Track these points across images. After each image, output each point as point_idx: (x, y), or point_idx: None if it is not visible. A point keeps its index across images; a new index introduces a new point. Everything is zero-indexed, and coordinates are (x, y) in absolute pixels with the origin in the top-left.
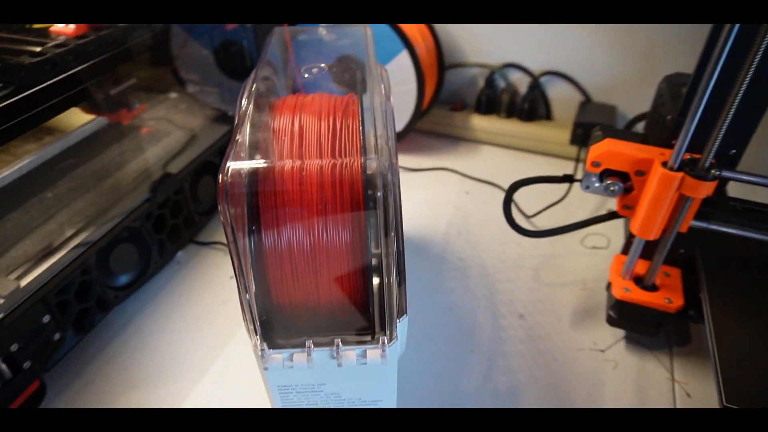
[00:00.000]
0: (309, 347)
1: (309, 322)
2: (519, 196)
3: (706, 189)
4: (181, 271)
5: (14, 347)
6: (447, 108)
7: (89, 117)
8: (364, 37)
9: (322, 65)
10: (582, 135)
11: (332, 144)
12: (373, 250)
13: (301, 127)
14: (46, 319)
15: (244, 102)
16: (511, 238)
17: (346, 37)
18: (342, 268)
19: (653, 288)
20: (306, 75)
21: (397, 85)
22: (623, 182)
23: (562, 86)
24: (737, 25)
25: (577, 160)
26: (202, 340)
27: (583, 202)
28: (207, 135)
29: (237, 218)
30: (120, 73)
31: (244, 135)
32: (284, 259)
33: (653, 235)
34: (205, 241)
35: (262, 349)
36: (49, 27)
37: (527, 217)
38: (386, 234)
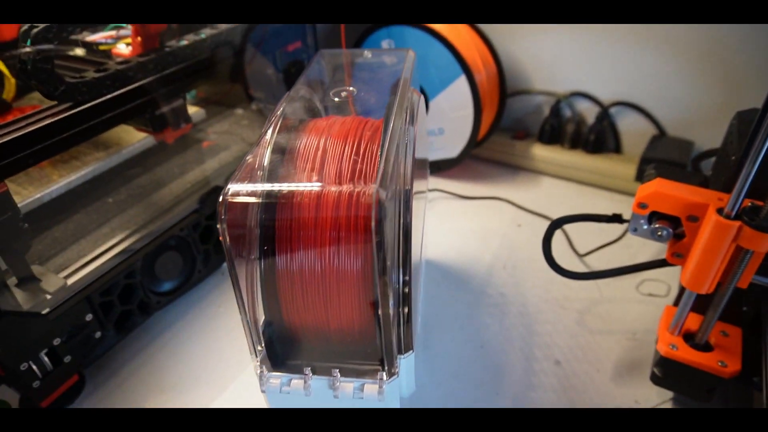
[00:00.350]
0: (307, 374)
1: (321, 346)
2: (573, 232)
3: None
4: (224, 282)
5: (57, 341)
6: (509, 136)
7: (139, 135)
8: (405, 60)
9: (351, 89)
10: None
11: (351, 169)
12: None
13: (317, 149)
14: (89, 317)
15: (270, 122)
16: (558, 277)
17: (388, 56)
18: (350, 296)
19: (707, 347)
20: (336, 99)
21: (454, 110)
22: (673, 227)
23: (634, 118)
24: None
25: None
26: (233, 352)
27: (644, 244)
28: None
29: (239, 239)
30: (165, 95)
31: (256, 156)
32: (287, 282)
33: (705, 289)
34: None
35: (261, 371)
36: (112, 49)
37: (579, 255)
38: (383, 267)
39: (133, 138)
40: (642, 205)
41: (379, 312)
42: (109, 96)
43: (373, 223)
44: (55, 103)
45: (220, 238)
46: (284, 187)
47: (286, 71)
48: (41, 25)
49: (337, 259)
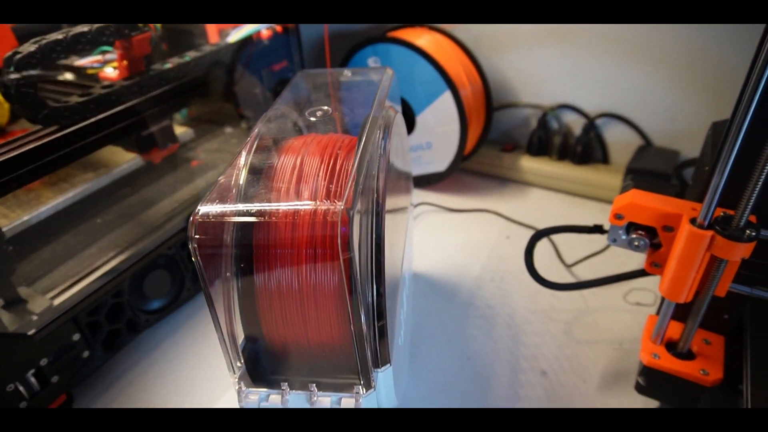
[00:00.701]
0: (284, 389)
1: (300, 362)
2: (561, 243)
3: (741, 251)
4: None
5: (44, 361)
6: (497, 148)
7: (127, 156)
8: (385, 78)
9: (326, 108)
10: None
11: (326, 187)
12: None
13: (299, 168)
14: (76, 337)
15: (246, 143)
16: (545, 289)
17: (367, 75)
18: (327, 312)
19: (689, 356)
20: (312, 118)
21: (440, 125)
22: (650, 238)
23: (621, 129)
24: None
25: None
26: (222, 369)
27: (631, 254)
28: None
29: (212, 257)
30: (152, 117)
31: (229, 177)
32: (265, 299)
33: (683, 298)
34: None
35: (239, 387)
36: (99, 73)
37: (567, 266)
38: (352, 284)
39: (121, 159)
40: (618, 216)
41: (352, 327)
42: (93, 119)
43: (339, 241)
44: (40, 127)
45: (192, 257)
46: (255, 206)
47: (273, 90)
48: (25, 51)
49: (312, 276)
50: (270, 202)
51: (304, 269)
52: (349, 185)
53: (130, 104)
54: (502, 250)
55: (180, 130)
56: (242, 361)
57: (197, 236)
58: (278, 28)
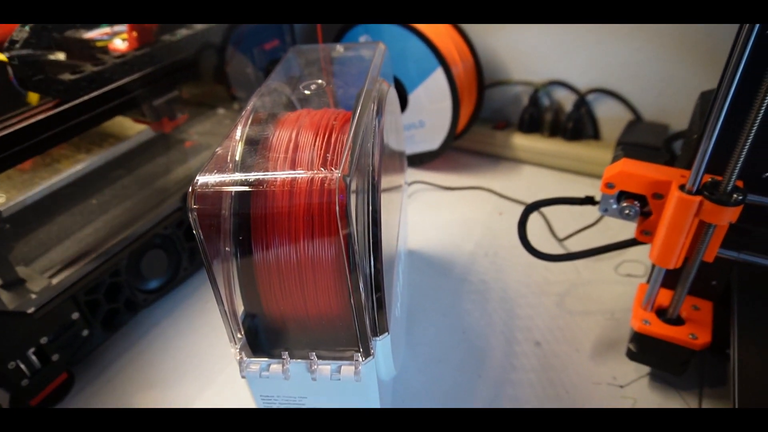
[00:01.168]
0: (285, 359)
1: (300, 333)
2: (553, 217)
3: (729, 215)
4: None
5: (44, 340)
6: (489, 126)
7: (137, 127)
8: (377, 53)
9: (319, 81)
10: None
11: (323, 159)
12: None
13: (294, 141)
14: (75, 315)
15: (242, 116)
16: (538, 262)
17: (360, 50)
18: (325, 283)
19: (678, 321)
20: (306, 92)
21: (433, 103)
22: (641, 206)
23: (611, 104)
24: (756, 29)
25: None
26: (220, 346)
27: (623, 226)
28: None
29: (211, 229)
30: (164, 86)
31: (226, 148)
32: (264, 270)
33: (673, 264)
34: None
35: (241, 358)
36: (109, 45)
37: (559, 240)
38: (351, 253)
39: (117, 137)
40: (609, 185)
41: (351, 296)
42: (107, 88)
43: (337, 208)
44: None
45: (192, 227)
46: (253, 176)
47: (265, 70)
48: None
49: (311, 247)
50: (269, 171)
51: (302, 239)
52: (345, 155)
53: (142, 74)
54: (495, 226)
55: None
56: (242, 332)
57: (197, 206)
58: None
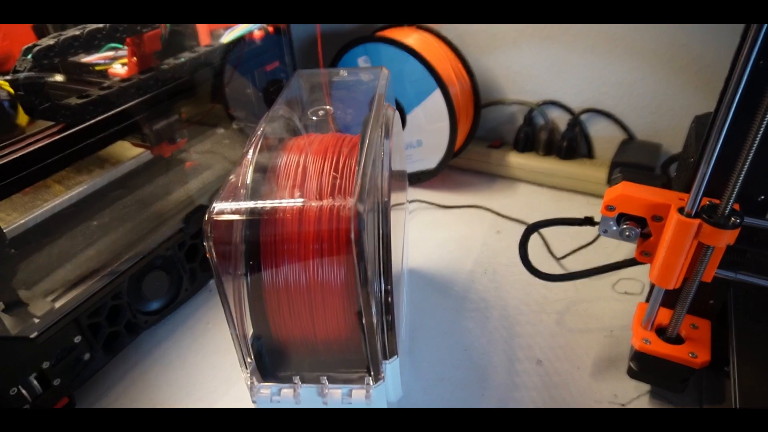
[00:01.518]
0: (296, 383)
1: (309, 356)
2: (550, 236)
3: (727, 237)
4: (212, 298)
5: (46, 364)
6: (485, 145)
7: (135, 150)
8: (380, 77)
9: (329, 107)
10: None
11: (332, 184)
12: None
13: (304, 167)
14: (77, 339)
15: (251, 142)
16: (537, 281)
17: (364, 75)
18: (334, 307)
19: (677, 340)
20: (314, 118)
21: (431, 123)
22: (640, 228)
23: (604, 124)
24: (754, 55)
25: None
26: (223, 367)
27: (619, 245)
28: None
29: (225, 255)
30: (165, 110)
31: (238, 175)
32: (274, 295)
33: (672, 285)
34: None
35: (251, 383)
36: (108, 69)
37: (557, 258)
38: (364, 279)
39: (117, 160)
40: (610, 208)
41: (363, 320)
42: (110, 113)
43: (353, 236)
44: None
45: (207, 255)
46: (267, 204)
47: (265, 90)
48: (44, 44)
49: (320, 272)
50: (282, 199)
51: (316, 266)
52: (358, 182)
53: (144, 99)
54: (493, 244)
55: None
56: (252, 357)
57: (213, 234)
58: (270, 28)
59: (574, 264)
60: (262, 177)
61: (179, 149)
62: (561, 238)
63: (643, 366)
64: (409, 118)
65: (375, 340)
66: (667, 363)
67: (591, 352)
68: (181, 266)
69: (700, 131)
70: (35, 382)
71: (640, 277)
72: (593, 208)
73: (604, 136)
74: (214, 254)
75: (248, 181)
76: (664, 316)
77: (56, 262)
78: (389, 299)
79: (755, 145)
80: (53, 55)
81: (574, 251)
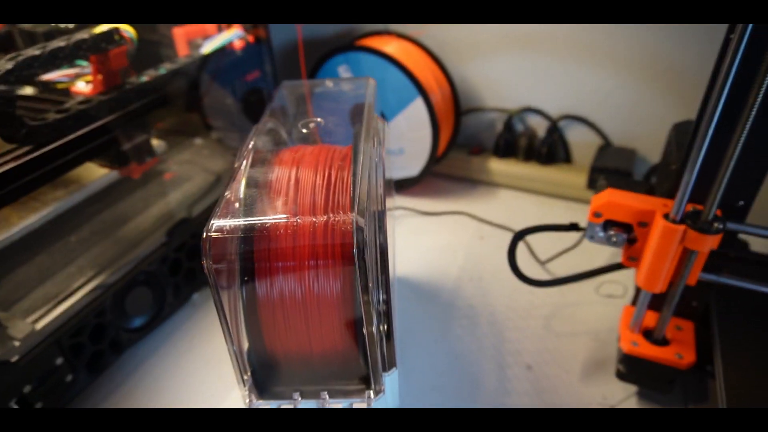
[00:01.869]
0: (296, 399)
1: (306, 371)
2: (534, 240)
3: (711, 242)
4: (196, 313)
5: (27, 389)
6: (465, 151)
7: (101, 171)
8: (366, 88)
9: (318, 119)
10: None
11: (325, 197)
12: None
13: (289, 180)
14: (59, 361)
15: (242, 156)
16: (523, 286)
17: (362, 87)
18: (332, 320)
19: (664, 342)
20: (304, 130)
21: (413, 131)
22: (626, 233)
23: (582, 130)
24: (735, 66)
25: None
26: (211, 384)
27: (599, 249)
28: (228, 179)
29: (222, 272)
30: (134, 130)
31: (234, 191)
32: (276, 311)
33: (659, 288)
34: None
35: (250, 400)
36: (70, 87)
37: (541, 263)
38: (365, 289)
39: (93, 174)
40: (597, 214)
41: (364, 331)
42: (72, 136)
43: (355, 250)
44: (14, 146)
45: (205, 272)
46: (265, 220)
47: (245, 100)
48: (2, 69)
49: (317, 286)
50: (279, 215)
51: (312, 279)
52: (356, 194)
53: (109, 119)
54: (477, 250)
55: (153, 143)
56: (249, 373)
57: (212, 252)
58: (250, 38)
59: (558, 267)
60: (256, 191)
61: (146, 171)
62: (544, 242)
63: (631, 368)
64: (391, 125)
65: (376, 352)
66: (654, 365)
67: (579, 355)
68: (165, 281)
69: (680, 139)
70: (16, 407)
71: (622, 280)
72: (574, 213)
73: (581, 141)
74: (213, 272)
75: (243, 196)
76: (650, 318)
77: (35, 281)
78: (389, 310)
79: (737, 153)
80: (13, 80)
81: (558, 255)
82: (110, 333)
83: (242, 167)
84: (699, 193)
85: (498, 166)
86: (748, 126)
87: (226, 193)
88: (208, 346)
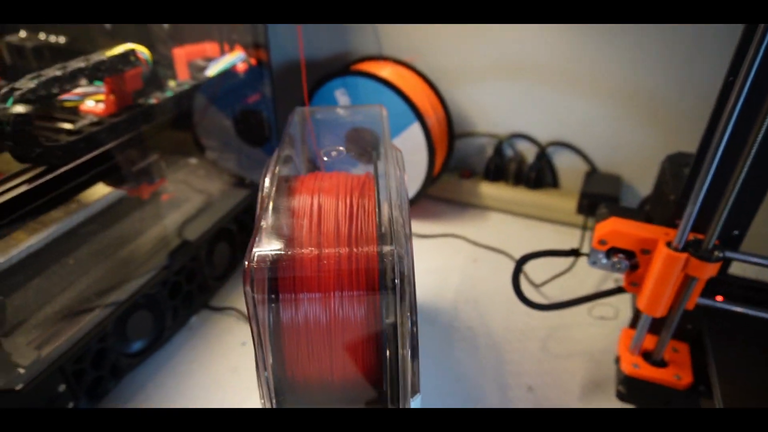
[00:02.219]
0: None
1: (327, 397)
2: (529, 265)
3: (711, 270)
4: (194, 336)
5: None
6: (456, 175)
7: (110, 190)
8: (379, 117)
9: (341, 148)
10: (588, 205)
11: (350, 227)
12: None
13: (320, 209)
14: (62, 388)
15: (266, 184)
16: (519, 308)
17: (359, 113)
18: (357, 348)
19: (662, 363)
20: (326, 158)
21: (409, 154)
22: (629, 259)
23: (569, 156)
24: (739, 107)
25: (584, 228)
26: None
27: (591, 272)
28: (224, 201)
29: (263, 301)
30: (144, 149)
31: (268, 220)
32: (301, 337)
33: (660, 313)
34: (218, 306)
35: None
36: (79, 106)
37: (536, 286)
38: (400, 317)
39: (93, 194)
40: (602, 242)
41: (396, 355)
42: (86, 158)
43: (397, 281)
44: (27, 166)
45: (247, 300)
46: (305, 251)
47: (244, 122)
48: (25, 87)
49: (353, 312)
50: (315, 245)
51: (342, 307)
52: (386, 224)
53: (122, 140)
54: (471, 272)
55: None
56: (277, 401)
57: (254, 281)
58: (252, 60)
59: (552, 290)
60: (288, 220)
61: (156, 191)
62: (538, 265)
63: (632, 389)
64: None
65: (407, 376)
66: (654, 386)
67: (577, 376)
68: (164, 304)
69: (675, 171)
70: None
71: (614, 302)
72: (562, 236)
73: (568, 167)
74: (256, 301)
75: (277, 225)
76: (648, 341)
77: (33, 306)
78: (416, 336)
79: (738, 186)
80: (34, 99)
81: (553, 278)
82: (111, 358)
83: (271, 195)
84: (700, 223)
85: (488, 190)
86: (748, 163)
87: (261, 223)
88: (207, 371)
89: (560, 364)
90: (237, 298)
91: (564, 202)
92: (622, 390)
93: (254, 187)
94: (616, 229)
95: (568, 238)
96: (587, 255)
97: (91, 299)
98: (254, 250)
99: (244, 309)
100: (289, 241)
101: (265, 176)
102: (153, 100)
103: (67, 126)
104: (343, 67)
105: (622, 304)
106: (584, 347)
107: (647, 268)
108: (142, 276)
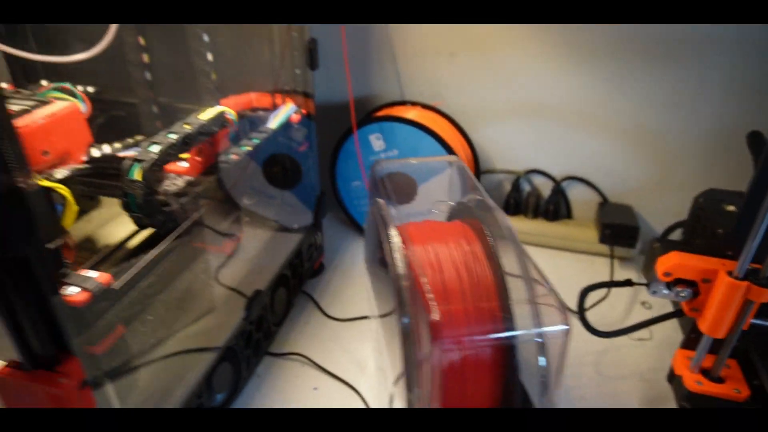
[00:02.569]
0: None
1: None
2: (565, 293)
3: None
4: (263, 384)
5: None
6: None
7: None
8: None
9: (479, 197)
10: (610, 235)
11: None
12: None
13: (466, 264)
14: None
15: (391, 233)
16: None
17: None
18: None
19: (719, 380)
20: (435, 210)
21: (443, 194)
22: (690, 287)
23: (582, 189)
24: None
25: (612, 257)
26: None
27: (620, 296)
28: (280, 248)
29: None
30: (227, 208)
31: (427, 276)
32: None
33: (721, 334)
34: (278, 352)
35: None
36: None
37: (575, 313)
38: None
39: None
40: (667, 274)
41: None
42: (191, 220)
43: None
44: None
45: (431, 366)
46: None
47: (292, 170)
48: (149, 158)
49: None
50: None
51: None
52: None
53: (213, 199)
54: None
55: None
56: None
57: (440, 336)
58: (303, 110)
59: (592, 317)
60: (438, 274)
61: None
62: (565, 295)
63: (696, 405)
64: (420, 189)
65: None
66: (716, 400)
67: (633, 396)
68: (241, 354)
69: (716, 206)
70: None
71: None
72: (583, 264)
73: (581, 199)
74: (438, 353)
75: (435, 281)
76: (705, 359)
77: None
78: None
79: None
80: (156, 169)
81: (593, 306)
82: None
83: (408, 249)
84: (758, 254)
85: None
86: None
87: (423, 279)
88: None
89: (616, 385)
90: (296, 342)
91: (581, 231)
92: (686, 406)
93: (302, 231)
94: (680, 262)
95: (589, 265)
96: (640, 284)
97: (179, 357)
98: (433, 314)
99: (308, 353)
100: (448, 296)
101: (382, 225)
102: (233, 156)
103: (171, 188)
104: (370, 112)
105: (656, 327)
106: (633, 368)
107: (708, 295)
108: (227, 329)
